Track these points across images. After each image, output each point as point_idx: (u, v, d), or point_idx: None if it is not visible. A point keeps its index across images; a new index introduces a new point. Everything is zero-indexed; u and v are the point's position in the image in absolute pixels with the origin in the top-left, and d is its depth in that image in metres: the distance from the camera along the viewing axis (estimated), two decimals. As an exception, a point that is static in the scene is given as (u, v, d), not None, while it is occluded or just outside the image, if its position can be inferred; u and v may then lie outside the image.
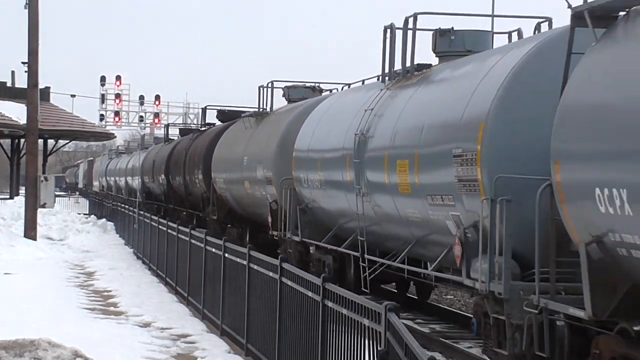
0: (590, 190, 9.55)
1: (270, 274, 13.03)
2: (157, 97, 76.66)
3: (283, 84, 28.72)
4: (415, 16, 16.87)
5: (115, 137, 64.59)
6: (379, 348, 8.28)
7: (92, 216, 49.47)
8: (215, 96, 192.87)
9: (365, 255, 17.39)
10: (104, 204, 54.63)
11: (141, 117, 76.31)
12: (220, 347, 15.32)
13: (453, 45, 16.67)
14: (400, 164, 15.54)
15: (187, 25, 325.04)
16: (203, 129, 39.65)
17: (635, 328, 9.56)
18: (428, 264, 16.43)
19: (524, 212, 11.83)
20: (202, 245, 18.61)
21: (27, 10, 33.21)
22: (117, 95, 74.33)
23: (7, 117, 42.27)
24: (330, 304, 10.11)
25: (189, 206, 37.54)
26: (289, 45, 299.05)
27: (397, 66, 17.79)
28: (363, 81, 21.39)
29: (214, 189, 31.48)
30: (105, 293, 22.04)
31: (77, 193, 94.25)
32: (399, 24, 16.96)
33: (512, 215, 12.05)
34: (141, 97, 76.23)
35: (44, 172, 44.67)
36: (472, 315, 13.68)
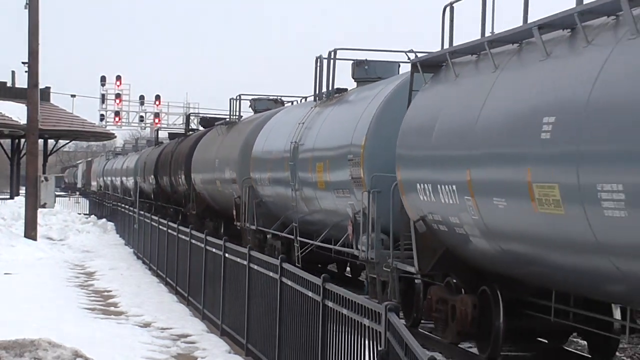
0: (414, 185, 14.72)
1: (271, 274, 13.03)
2: (157, 97, 76.64)
3: (254, 95, 33.32)
4: (335, 51, 21.79)
5: (115, 137, 64.61)
6: (379, 348, 8.28)
7: (92, 216, 49.49)
8: (215, 96, 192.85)
9: (298, 238, 21.92)
10: (104, 204, 54.68)
11: (141, 117, 76.28)
12: (221, 347, 15.32)
13: (367, 73, 21.20)
14: (319, 166, 20.52)
15: (187, 25, 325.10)
16: (189, 133, 43.76)
17: (455, 281, 14.82)
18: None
19: (389, 201, 16.31)
20: (202, 245, 18.61)
21: (27, 11, 33.22)
22: (117, 95, 74.29)
23: (8, 117, 42.27)
24: (330, 304, 10.12)
25: (174, 203, 41.41)
26: (289, 45, 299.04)
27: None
28: (305, 98, 25.85)
29: (193, 187, 35.65)
30: (106, 293, 22.04)
31: (77, 193, 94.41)
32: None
33: (381, 203, 16.62)
34: (141, 97, 76.20)
35: (44, 172, 44.69)
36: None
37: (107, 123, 73.23)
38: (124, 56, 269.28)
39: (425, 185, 14.22)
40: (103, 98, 74.13)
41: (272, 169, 24.29)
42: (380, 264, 16.66)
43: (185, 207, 37.84)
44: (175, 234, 22.83)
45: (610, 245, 10.01)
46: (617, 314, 13.38)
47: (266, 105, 32.18)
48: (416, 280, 16.56)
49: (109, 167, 73.77)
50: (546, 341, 15.46)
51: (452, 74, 14.54)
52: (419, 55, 17.12)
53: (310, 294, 10.92)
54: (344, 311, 9.55)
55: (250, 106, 33.08)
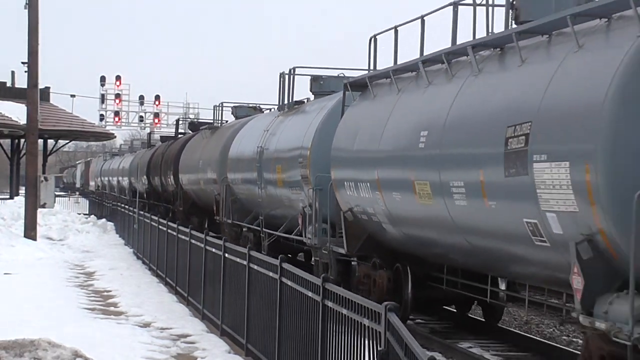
0: (343, 182, 18.43)
1: (270, 274, 13.04)
2: (157, 97, 76.64)
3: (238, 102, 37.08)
4: (294, 69, 25.40)
5: (115, 137, 64.60)
6: (379, 348, 8.28)
7: (92, 216, 49.46)
8: (215, 96, 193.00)
9: (264, 229, 25.58)
10: (103, 204, 54.70)
11: (141, 117, 76.29)
12: (220, 347, 15.32)
13: (322, 87, 24.13)
14: (278, 167, 23.91)
15: (187, 25, 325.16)
16: (179, 137, 47.13)
17: (378, 260, 17.91)
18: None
19: (328, 196, 19.69)
20: (202, 245, 18.62)
21: (27, 11, 33.22)
22: (117, 95, 74.28)
23: (7, 117, 42.27)
24: (330, 304, 10.12)
25: (164, 201, 44.70)
26: (290, 45, 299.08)
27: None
28: (277, 108, 28.41)
29: (181, 186, 39.09)
30: (105, 293, 22.04)
31: (77, 193, 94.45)
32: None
33: (322, 198, 20.05)
34: (141, 97, 76.20)
35: (44, 172, 44.68)
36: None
37: (107, 123, 73.23)
38: (124, 56, 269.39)
39: (350, 183, 18.07)
40: (103, 98, 74.12)
41: (244, 169, 27.73)
42: (322, 249, 20.12)
43: (173, 205, 41.01)
44: (175, 234, 22.83)
45: (461, 226, 13.78)
46: (503, 286, 16.08)
47: (246, 112, 35.28)
48: (352, 262, 19.73)
49: (106, 167, 77.11)
50: (455, 310, 19.36)
51: (371, 94, 18.42)
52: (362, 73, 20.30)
53: (310, 294, 10.92)
54: (344, 311, 9.55)
55: (232, 113, 36.85)
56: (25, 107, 34.48)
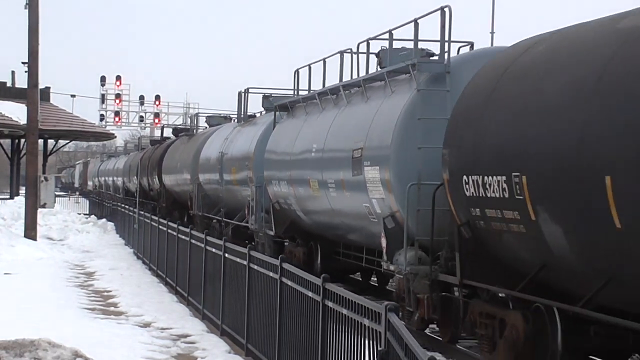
0: (271, 180, 24.18)
1: (271, 274, 13.03)
2: (157, 97, 76.64)
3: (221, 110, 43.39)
4: (247, 89, 31.24)
5: (115, 137, 64.64)
6: (379, 348, 8.28)
7: (92, 216, 49.50)
8: (215, 96, 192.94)
9: (223, 219, 31.21)
10: (103, 204, 54.74)
11: (141, 117, 76.29)
12: (221, 347, 15.33)
13: (272, 103, 26.63)
14: (233, 169, 29.43)
15: (187, 25, 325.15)
16: (169, 141, 51.20)
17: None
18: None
19: (264, 191, 24.78)
20: (202, 245, 18.62)
21: (27, 11, 33.22)
22: (117, 96, 74.27)
23: (7, 117, 42.28)
24: (330, 304, 10.12)
25: (150, 199, 49.35)
26: (290, 45, 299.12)
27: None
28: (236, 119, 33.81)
29: (164, 185, 44.24)
30: (106, 293, 22.05)
31: (77, 193, 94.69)
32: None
33: (261, 193, 25.20)
34: (141, 97, 76.20)
35: (44, 172, 44.67)
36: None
37: (107, 123, 73.22)
38: (124, 56, 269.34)
39: (276, 180, 23.51)
40: (103, 98, 74.12)
41: (210, 171, 33.21)
42: (259, 231, 25.22)
43: (158, 202, 46.05)
44: (175, 234, 22.84)
45: (336, 210, 19.48)
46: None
47: (217, 121, 40.06)
48: (285, 243, 25.00)
49: (102, 168, 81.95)
50: (360, 279, 24.53)
51: (291, 115, 24.13)
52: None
53: (310, 294, 10.92)
54: (344, 311, 9.55)
55: (205, 122, 42.57)
56: (26, 107, 34.50)
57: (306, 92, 23.74)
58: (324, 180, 19.75)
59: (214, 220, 33.01)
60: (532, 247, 11.62)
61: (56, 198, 45.93)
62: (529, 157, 11.23)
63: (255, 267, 14.12)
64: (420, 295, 15.57)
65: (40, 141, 46.12)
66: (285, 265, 12.38)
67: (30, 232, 32.98)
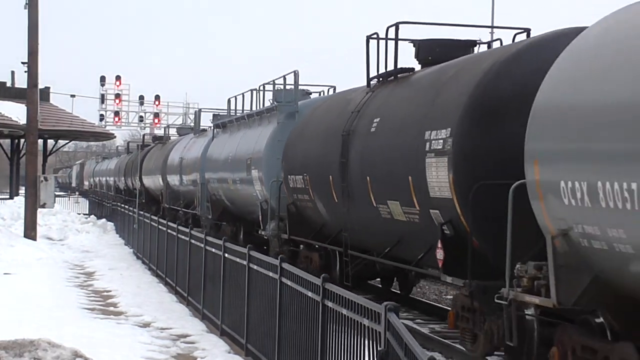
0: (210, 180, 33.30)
1: (270, 274, 13.03)
2: (157, 97, 76.67)
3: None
4: (200, 110, 41.18)
5: (114, 137, 64.66)
6: (378, 348, 8.28)
7: (92, 216, 49.47)
8: (215, 96, 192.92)
9: (181, 209, 38.24)
10: (103, 204, 54.81)
11: (141, 117, 76.33)
12: (220, 347, 15.32)
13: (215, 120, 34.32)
14: (187, 170, 36.37)
15: (187, 25, 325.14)
16: (148, 147, 57.64)
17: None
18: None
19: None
20: (202, 245, 18.61)
21: (27, 10, 33.21)
22: (117, 96, 74.30)
23: (7, 117, 42.25)
24: (330, 304, 10.11)
25: (134, 196, 54.53)
26: (289, 46, 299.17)
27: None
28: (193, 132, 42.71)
29: (143, 184, 52.47)
30: (105, 293, 22.03)
31: (77, 193, 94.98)
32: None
33: (204, 191, 33.61)
34: (141, 97, 76.24)
35: (43, 172, 44.65)
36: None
37: (107, 123, 73.26)
38: (124, 56, 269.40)
39: (212, 179, 31.84)
40: (103, 98, 74.14)
41: (175, 172, 41.26)
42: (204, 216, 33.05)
43: (139, 198, 51.18)
44: (174, 234, 22.83)
45: (235, 197, 28.95)
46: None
47: (186, 132, 47.23)
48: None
49: (97, 168, 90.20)
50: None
51: (221, 131, 32.89)
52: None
53: (310, 294, 10.91)
54: (344, 311, 9.54)
55: (176, 131, 52.63)
56: (25, 107, 34.47)
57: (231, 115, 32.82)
58: (233, 178, 28.94)
59: (180, 212, 40.30)
60: (316, 214, 21.09)
61: (56, 198, 45.94)
62: (310, 165, 20.92)
63: (255, 267, 14.11)
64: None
65: (40, 141, 46.09)
66: (285, 265, 12.38)
67: (30, 232, 32.96)
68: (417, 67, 18.20)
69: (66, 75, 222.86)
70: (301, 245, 22.43)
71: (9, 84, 51.62)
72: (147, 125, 77.26)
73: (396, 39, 17.99)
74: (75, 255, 32.25)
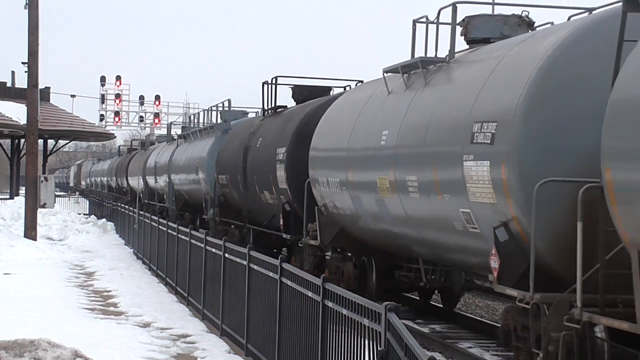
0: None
1: (271, 274, 13.03)
2: (157, 97, 76.64)
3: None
4: (171, 123, 44.78)
5: (115, 137, 64.72)
6: (379, 348, 8.28)
7: (92, 216, 49.46)
8: (215, 96, 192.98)
9: (157, 204, 43.47)
10: (103, 204, 54.86)
11: (141, 117, 76.30)
12: (220, 347, 15.31)
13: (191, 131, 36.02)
14: (159, 172, 43.05)
15: (187, 25, 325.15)
16: (134, 152, 64.00)
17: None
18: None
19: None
20: (202, 245, 18.60)
21: (27, 11, 33.20)
22: (117, 96, 74.28)
23: (7, 117, 42.26)
24: (330, 304, 10.11)
25: (122, 194, 64.92)
26: (289, 45, 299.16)
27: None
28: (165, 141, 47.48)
29: (129, 184, 60.11)
30: (105, 293, 22.03)
31: (77, 193, 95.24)
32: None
33: (171, 190, 41.40)
34: (141, 97, 76.21)
35: (44, 173, 44.65)
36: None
37: (107, 123, 73.24)
38: (124, 56, 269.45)
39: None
40: (103, 98, 74.12)
41: (151, 174, 47.51)
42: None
43: (125, 196, 61.19)
44: (175, 234, 22.83)
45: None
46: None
47: (163, 139, 53.28)
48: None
49: (93, 169, 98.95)
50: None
51: (184, 141, 32.92)
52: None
53: (310, 294, 10.91)
54: (344, 311, 9.54)
55: (156, 139, 58.65)
56: (25, 107, 34.47)
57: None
58: (188, 178, 36.62)
59: (156, 206, 45.31)
60: (234, 202, 28.00)
61: (56, 198, 45.96)
62: (229, 168, 29.23)
63: (255, 267, 14.11)
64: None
65: (40, 141, 46.10)
66: (285, 266, 12.38)
67: (30, 232, 32.96)
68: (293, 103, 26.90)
69: (66, 75, 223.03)
70: (232, 225, 30.65)
71: (9, 84, 51.63)
72: (147, 125, 77.22)
73: (276, 84, 27.27)
74: (76, 255, 32.25)
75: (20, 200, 40.21)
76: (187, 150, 38.68)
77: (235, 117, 34.50)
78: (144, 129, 79.48)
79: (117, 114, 74.76)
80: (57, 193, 58.09)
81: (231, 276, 16.01)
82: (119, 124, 75.31)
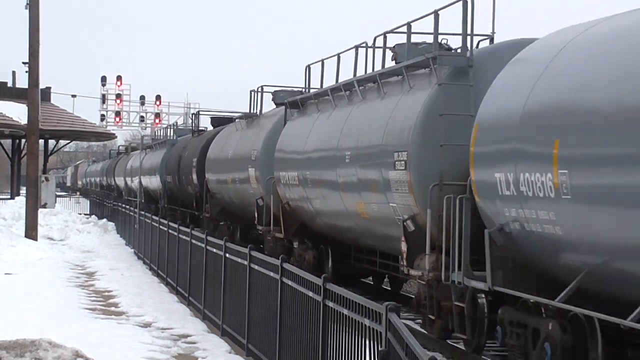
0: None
1: (271, 274, 13.03)
2: (158, 98, 76.55)
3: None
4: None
5: (115, 137, 64.72)
6: (379, 348, 8.28)
7: (93, 216, 49.49)
8: (215, 96, 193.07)
9: (140, 200, 40.58)
10: (104, 204, 54.92)
11: (142, 117, 76.21)
12: (221, 348, 15.32)
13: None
14: (148, 172, 46.37)
15: (187, 25, 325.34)
16: (121, 155, 74.58)
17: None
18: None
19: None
20: (203, 245, 18.61)
21: (27, 11, 33.22)
22: (118, 96, 74.19)
23: (8, 117, 42.27)
24: (331, 304, 10.11)
25: (113, 192, 73.49)
26: (289, 45, 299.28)
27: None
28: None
29: (116, 182, 70.41)
30: (106, 293, 22.03)
31: (78, 193, 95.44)
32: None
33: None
34: (142, 98, 76.11)
35: (44, 173, 44.66)
36: None
37: (108, 123, 73.16)
38: (124, 56, 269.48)
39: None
40: (103, 98, 74.04)
41: (130, 175, 55.52)
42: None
43: (113, 193, 70.83)
44: (175, 234, 22.83)
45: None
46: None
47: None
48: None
49: (88, 170, 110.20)
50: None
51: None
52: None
53: (310, 294, 10.92)
54: (345, 311, 9.54)
55: (126, 149, 68.92)
56: (26, 107, 34.48)
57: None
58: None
59: (134, 200, 48.20)
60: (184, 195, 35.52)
61: (57, 198, 45.99)
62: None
63: (256, 267, 14.11)
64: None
65: (41, 141, 46.09)
66: (286, 266, 12.38)
67: (31, 232, 32.97)
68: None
69: (67, 75, 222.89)
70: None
71: (10, 84, 51.65)
72: (148, 125, 77.17)
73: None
74: (76, 255, 32.26)
75: (21, 200, 40.22)
76: (149, 158, 50.47)
77: (183, 134, 43.80)
78: (145, 129, 79.41)
79: (117, 114, 74.68)
80: (57, 193, 58.17)
81: (232, 276, 16.01)
82: (119, 124, 75.22)
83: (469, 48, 15.54)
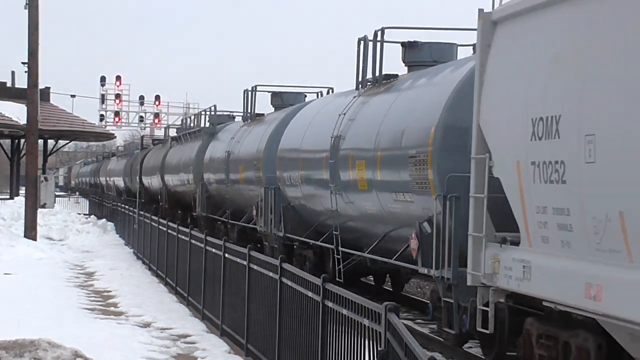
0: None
1: (271, 274, 13.03)
2: (157, 98, 76.46)
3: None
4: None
5: (115, 137, 64.73)
6: (379, 348, 8.28)
7: (92, 216, 49.49)
8: (215, 96, 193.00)
9: (124, 197, 51.31)
10: (103, 204, 54.93)
11: (141, 117, 76.15)
12: (220, 348, 15.32)
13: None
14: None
15: (187, 25, 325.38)
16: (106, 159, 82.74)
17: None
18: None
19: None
20: (202, 245, 18.61)
21: (27, 11, 33.21)
22: (117, 96, 74.13)
23: (7, 117, 42.27)
24: (330, 304, 10.12)
25: (103, 190, 79.49)
26: (290, 45, 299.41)
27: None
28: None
29: (107, 182, 75.27)
30: (105, 293, 22.03)
31: (77, 193, 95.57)
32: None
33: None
34: (141, 98, 76.05)
35: (44, 173, 44.66)
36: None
37: (107, 123, 73.12)
38: (124, 56, 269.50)
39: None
40: (103, 98, 73.97)
41: (114, 175, 62.62)
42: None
43: (103, 191, 76.63)
44: (175, 234, 22.83)
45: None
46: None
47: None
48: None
49: (81, 171, 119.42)
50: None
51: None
52: None
53: (310, 294, 10.92)
54: (344, 311, 9.55)
55: (114, 155, 72.84)
56: (25, 107, 34.48)
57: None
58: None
59: (122, 197, 54.68)
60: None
61: (56, 198, 45.98)
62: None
63: (255, 267, 14.12)
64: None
65: (40, 141, 46.10)
66: (285, 266, 12.38)
67: (30, 232, 32.97)
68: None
69: (66, 75, 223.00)
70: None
71: (9, 84, 51.63)
72: (147, 125, 77.12)
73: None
74: (76, 255, 32.26)
75: (20, 200, 40.22)
76: (118, 163, 61.57)
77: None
78: (144, 129, 79.38)
79: (117, 114, 74.61)
80: (57, 193, 58.15)
81: (231, 276, 16.01)
82: (119, 124, 75.15)
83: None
